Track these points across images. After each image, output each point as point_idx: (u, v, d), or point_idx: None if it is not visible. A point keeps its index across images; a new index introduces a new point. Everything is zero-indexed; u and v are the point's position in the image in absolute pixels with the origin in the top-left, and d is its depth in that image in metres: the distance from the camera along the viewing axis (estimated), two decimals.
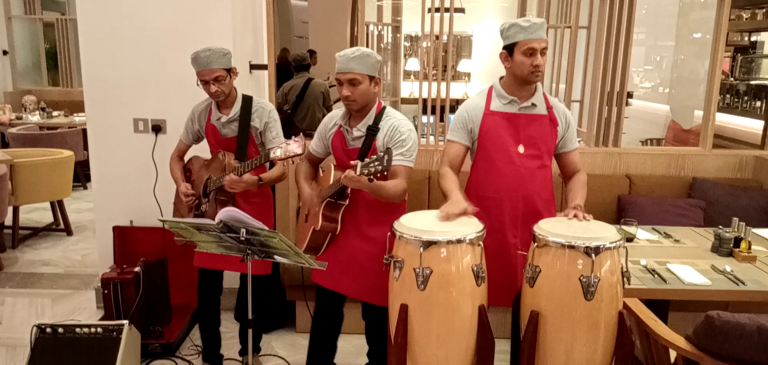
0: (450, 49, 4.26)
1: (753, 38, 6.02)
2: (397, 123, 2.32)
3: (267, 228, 2.03)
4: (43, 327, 2.60)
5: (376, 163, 2.00)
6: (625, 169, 3.67)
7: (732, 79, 6.00)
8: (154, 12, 3.30)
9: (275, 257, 2.17)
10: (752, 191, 3.48)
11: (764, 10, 5.78)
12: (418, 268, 1.97)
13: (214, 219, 2.09)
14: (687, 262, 2.45)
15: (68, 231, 5.10)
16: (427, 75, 3.93)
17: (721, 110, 4.36)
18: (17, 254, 4.63)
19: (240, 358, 3.05)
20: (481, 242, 2.06)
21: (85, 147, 5.90)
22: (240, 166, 2.47)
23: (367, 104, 2.33)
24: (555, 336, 1.99)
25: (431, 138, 4.06)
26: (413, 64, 8.77)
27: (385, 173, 2.04)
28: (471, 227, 2.06)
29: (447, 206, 2.14)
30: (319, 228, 2.37)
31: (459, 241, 1.98)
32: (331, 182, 2.37)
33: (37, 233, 5.13)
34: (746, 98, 5.71)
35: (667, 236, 2.82)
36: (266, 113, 2.65)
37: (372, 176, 2.02)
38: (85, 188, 6.63)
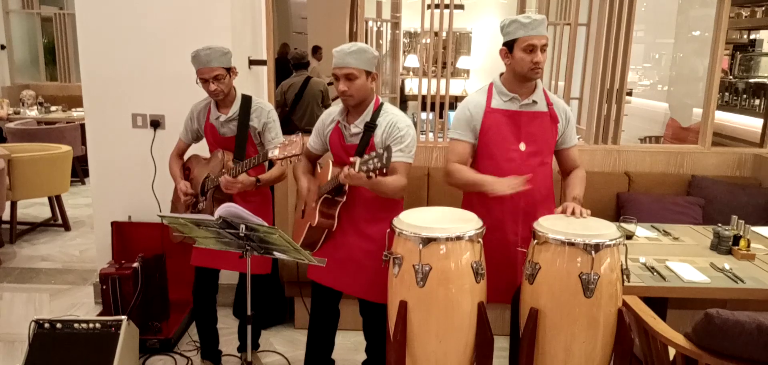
0: (450, 45, 4.25)
1: (752, 36, 6.02)
2: (395, 119, 2.32)
3: (266, 224, 2.03)
4: (41, 322, 2.60)
5: (375, 160, 2.00)
6: (625, 166, 3.67)
7: (731, 77, 6.00)
8: (153, 6, 3.29)
9: (274, 253, 2.17)
10: (751, 189, 3.48)
11: (764, 8, 5.78)
12: (417, 265, 1.97)
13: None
14: (686, 260, 2.45)
15: (66, 226, 5.09)
16: (427, 72, 3.92)
17: (720, 108, 4.36)
18: (15, 249, 4.62)
19: (238, 354, 3.04)
20: (480, 239, 2.05)
21: (83, 142, 5.90)
22: (236, 166, 2.46)
23: (365, 100, 2.32)
24: (554, 333, 1.99)
25: (430, 135, 4.05)
26: (412, 60, 8.76)
27: (384, 170, 2.03)
28: (470, 224, 2.06)
29: (498, 185, 2.14)
30: (315, 224, 2.36)
31: (458, 238, 1.98)
32: (329, 178, 2.37)
33: (35, 228, 5.12)
34: (745, 96, 5.72)
35: (666, 233, 2.82)
36: (265, 114, 2.64)
37: (371, 173, 2.01)
38: (83, 183, 6.61)
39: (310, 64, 5.67)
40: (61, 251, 4.59)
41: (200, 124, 2.74)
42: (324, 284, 2.44)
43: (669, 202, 3.39)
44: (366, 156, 2.02)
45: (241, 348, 3.03)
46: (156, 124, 3.42)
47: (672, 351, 2.00)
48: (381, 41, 6.18)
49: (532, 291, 2.03)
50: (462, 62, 9.33)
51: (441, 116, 4.00)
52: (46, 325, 2.60)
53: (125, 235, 3.52)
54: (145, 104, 3.42)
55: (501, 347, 2.75)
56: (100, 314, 3.14)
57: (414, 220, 2.07)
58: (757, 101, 5.54)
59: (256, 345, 3.07)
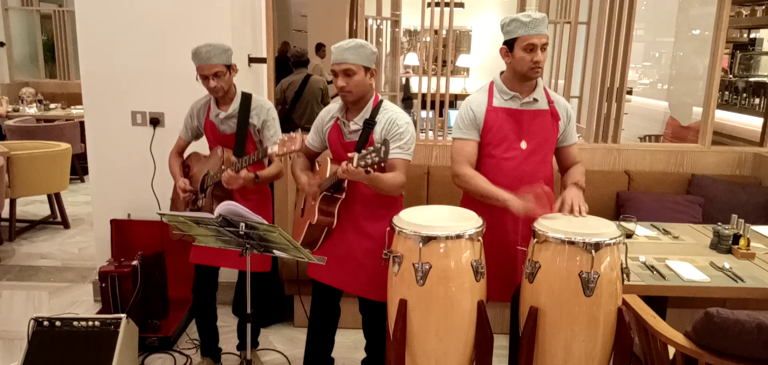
0: (450, 43, 4.25)
1: (752, 35, 6.02)
2: (394, 116, 2.31)
3: (266, 222, 2.03)
4: (40, 320, 2.59)
5: (373, 154, 1.99)
6: (624, 165, 3.66)
7: (731, 76, 6.00)
8: (153, 4, 3.28)
9: (274, 251, 2.17)
10: (751, 187, 3.48)
11: (764, 7, 5.78)
12: (417, 263, 1.97)
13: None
14: (686, 259, 2.45)
15: (65, 224, 5.09)
16: (427, 70, 3.92)
17: (719, 106, 4.35)
18: (14, 246, 4.62)
19: (238, 353, 3.04)
20: (480, 238, 2.05)
21: (83, 140, 5.89)
22: (237, 162, 2.46)
23: (363, 96, 2.32)
24: (554, 332, 1.99)
25: (430, 133, 4.05)
26: (412, 58, 8.76)
27: (382, 164, 2.03)
28: (470, 222, 2.06)
29: (515, 204, 2.13)
30: (315, 222, 2.36)
31: (458, 236, 1.97)
32: (328, 175, 2.37)
33: (34, 226, 5.12)
34: (745, 94, 5.72)
35: (666, 232, 2.82)
36: (265, 111, 2.64)
37: (369, 168, 2.01)
38: (83, 181, 6.60)
39: (309, 61, 5.66)
40: (61, 249, 4.58)
41: (200, 121, 2.73)
42: (324, 282, 2.44)
43: (669, 201, 3.39)
44: (364, 151, 2.02)
45: (241, 346, 3.02)
46: (155, 122, 3.41)
47: (672, 350, 2.00)
48: (381, 39, 6.17)
49: (532, 289, 2.03)
50: (462, 60, 9.33)
51: (441, 115, 3.99)
52: (46, 323, 2.59)
53: (124, 233, 3.52)
54: (145, 102, 3.41)
55: (501, 345, 2.75)
56: (100, 312, 3.14)
57: (414, 218, 2.07)
58: (757, 100, 5.54)
59: (255, 344, 3.07)
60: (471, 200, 2.36)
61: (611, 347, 2.01)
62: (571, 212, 2.15)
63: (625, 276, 2.01)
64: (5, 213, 4.64)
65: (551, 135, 2.35)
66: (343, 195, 2.36)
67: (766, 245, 2.66)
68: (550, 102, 2.34)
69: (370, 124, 2.31)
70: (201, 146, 2.82)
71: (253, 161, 2.41)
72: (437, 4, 3.73)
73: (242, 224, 2.04)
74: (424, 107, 3.92)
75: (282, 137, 2.24)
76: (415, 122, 2.41)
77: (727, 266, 2.36)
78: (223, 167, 2.54)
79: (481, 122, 2.32)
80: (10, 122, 5.85)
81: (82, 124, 5.62)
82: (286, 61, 5.73)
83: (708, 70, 3.71)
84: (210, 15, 3.28)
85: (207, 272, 2.77)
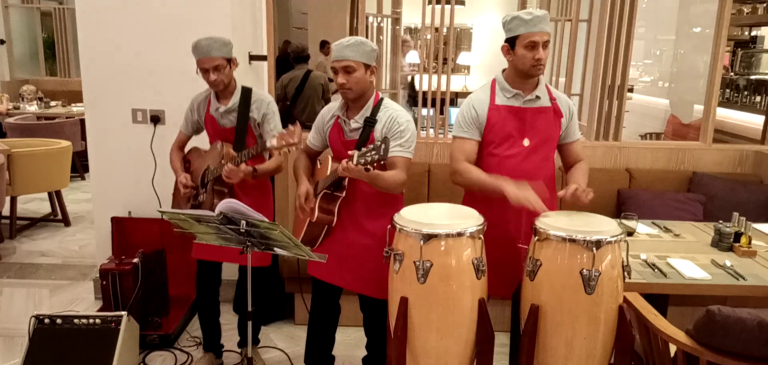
0: (451, 41, 4.24)
1: (753, 33, 6.02)
2: (395, 114, 2.31)
3: (267, 220, 2.02)
4: (41, 318, 2.60)
5: (373, 152, 1.99)
6: (625, 163, 3.66)
7: (732, 73, 6.00)
8: (154, 1, 3.28)
9: (275, 249, 2.16)
10: (752, 185, 3.48)
11: (765, 5, 5.77)
12: (418, 261, 1.97)
13: (210, 209, 2.08)
14: (687, 256, 2.45)
15: (66, 222, 5.09)
16: (427, 68, 3.91)
17: (720, 104, 4.35)
18: (15, 244, 4.62)
19: (239, 350, 3.04)
20: (481, 236, 2.05)
21: (83, 137, 5.89)
22: (237, 156, 2.46)
23: (364, 94, 2.32)
24: (555, 330, 1.99)
25: (431, 131, 4.04)
26: (412, 56, 8.74)
27: (382, 162, 2.02)
28: (471, 220, 2.05)
29: (511, 190, 2.11)
30: (315, 220, 2.36)
31: (459, 234, 1.97)
32: (328, 173, 2.36)
33: (34, 223, 5.12)
34: (746, 92, 5.71)
35: (667, 230, 2.82)
36: (265, 105, 2.63)
37: (369, 166, 2.01)
38: (83, 178, 6.61)
39: (310, 57, 5.65)
40: (61, 247, 4.59)
41: (200, 115, 2.73)
42: (324, 280, 2.44)
43: (670, 199, 3.39)
44: (364, 149, 2.02)
45: (242, 344, 3.03)
46: (156, 119, 3.41)
47: (673, 348, 2.00)
48: (381, 37, 6.17)
49: (533, 287, 2.03)
50: (462, 58, 9.32)
51: (442, 112, 3.99)
52: (46, 321, 2.59)
53: (125, 230, 3.51)
54: (145, 100, 3.41)
55: (502, 343, 2.75)
56: (100, 309, 3.14)
57: (415, 216, 2.06)
58: (758, 98, 5.54)
59: (256, 341, 3.07)
60: (472, 198, 2.35)
61: (612, 345, 2.01)
62: (576, 196, 2.14)
63: (626, 273, 2.01)
64: (6, 211, 4.65)
65: (554, 132, 2.34)
66: (344, 193, 2.36)
67: (767, 243, 2.66)
68: (552, 99, 2.33)
69: (370, 122, 2.31)
70: (202, 140, 2.82)
71: (253, 155, 2.41)
72: (438, 2, 3.73)
73: (243, 222, 2.04)
74: (424, 104, 3.92)
75: (281, 130, 2.24)
76: (415, 120, 2.40)
77: (728, 264, 2.36)
78: (222, 161, 2.54)
79: (483, 121, 2.31)
80: (11, 120, 5.85)
81: (82, 121, 5.61)
82: (287, 60, 5.72)
83: (709, 68, 3.70)
84: (211, 13, 3.27)
85: (210, 268, 2.77)
